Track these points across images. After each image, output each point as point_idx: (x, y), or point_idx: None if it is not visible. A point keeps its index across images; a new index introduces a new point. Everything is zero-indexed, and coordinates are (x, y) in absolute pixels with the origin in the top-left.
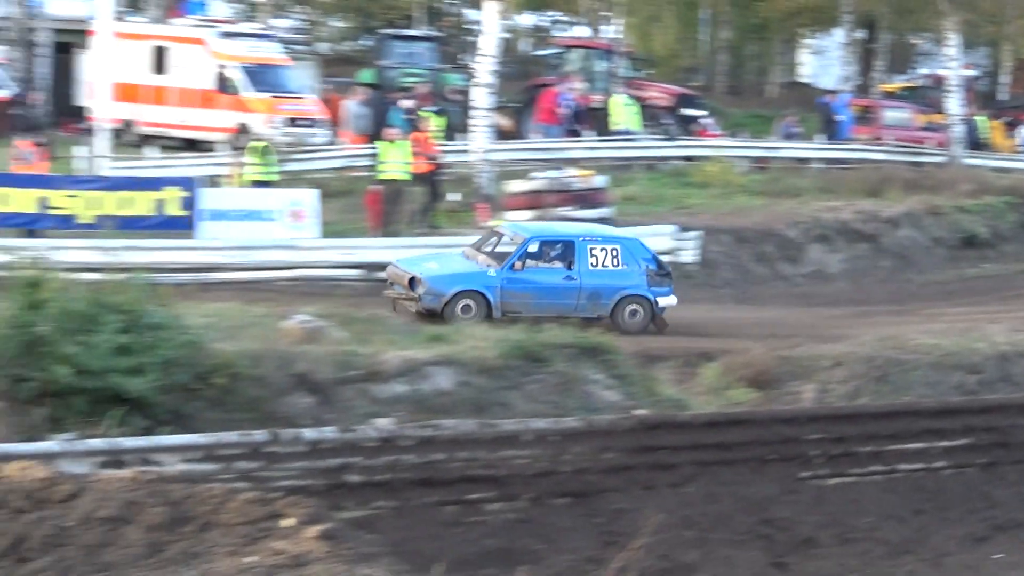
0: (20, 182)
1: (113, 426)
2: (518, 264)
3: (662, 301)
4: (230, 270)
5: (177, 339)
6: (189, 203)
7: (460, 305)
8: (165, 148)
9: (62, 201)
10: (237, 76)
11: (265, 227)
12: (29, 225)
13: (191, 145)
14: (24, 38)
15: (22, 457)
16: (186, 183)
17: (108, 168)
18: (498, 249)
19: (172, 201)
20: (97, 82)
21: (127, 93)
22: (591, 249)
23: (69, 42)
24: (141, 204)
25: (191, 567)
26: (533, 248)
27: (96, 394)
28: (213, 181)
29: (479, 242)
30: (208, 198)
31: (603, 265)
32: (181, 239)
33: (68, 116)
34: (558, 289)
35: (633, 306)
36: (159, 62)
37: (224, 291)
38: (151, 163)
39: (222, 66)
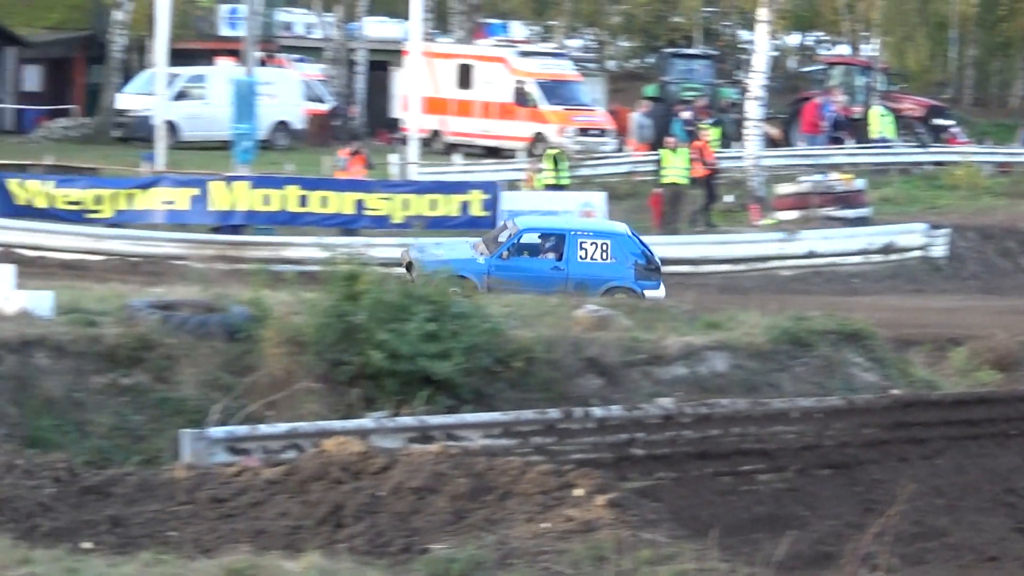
0: (340, 186)
1: (421, 405)
2: (506, 253)
3: (648, 293)
4: None
5: (480, 327)
6: (490, 205)
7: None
8: (469, 155)
9: (377, 203)
10: (534, 90)
11: None
12: (347, 225)
13: (492, 152)
14: (343, 57)
15: (340, 433)
16: (488, 187)
17: (418, 173)
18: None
19: (475, 203)
20: (409, 96)
21: (435, 106)
22: (581, 242)
23: (384, 61)
24: (447, 206)
25: (491, 532)
26: (524, 239)
27: (406, 376)
28: (512, 185)
29: (494, 232)
30: (508, 200)
31: (592, 258)
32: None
33: (382, 127)
34: (545, 278)
35: (619, 296)
36: (464, 78)
37: None
38: (456, 169)
39: (520, 82)
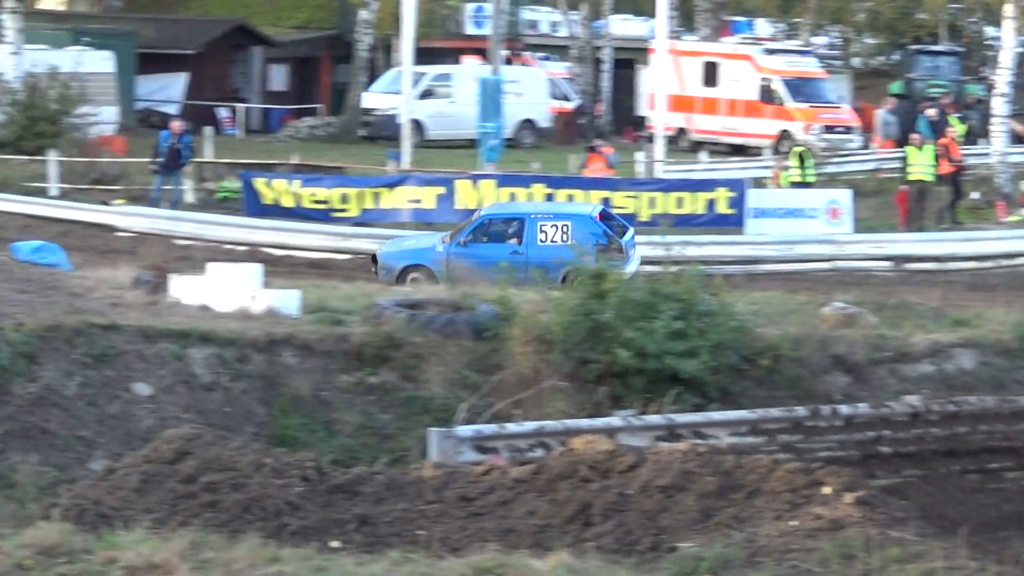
0: (586, 184)
1: (668, 403)
2: (464, 240)
3: None
4: (773, 262)
5: (727, 324)
6: (737, 202)
7: (409, 278)
8: (714, 153)
9: (623, 201)
10: (780, 88)
11: (804, 224)
12: None
13: (738, 150)
14: (589, 55)
15: (587, 432)
16: (734, 184)
17: (664, 171)
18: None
19: (721, 200)
20: (655, 94)
21: (681, 104)
22: (541, 225)
23: (629, 58)
24: (693, 203)
25: (739, 530)
26: (484, 225)
27: (653, 374)
28: (758, 182)
29: (465, 221)
30: (754, 198)
31: (552, 241)
32: (730, 235)
33: (628, 125)
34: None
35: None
36: (710, 76)
37: (768, 281)
38: (702, 167)
39: (766, 79)
